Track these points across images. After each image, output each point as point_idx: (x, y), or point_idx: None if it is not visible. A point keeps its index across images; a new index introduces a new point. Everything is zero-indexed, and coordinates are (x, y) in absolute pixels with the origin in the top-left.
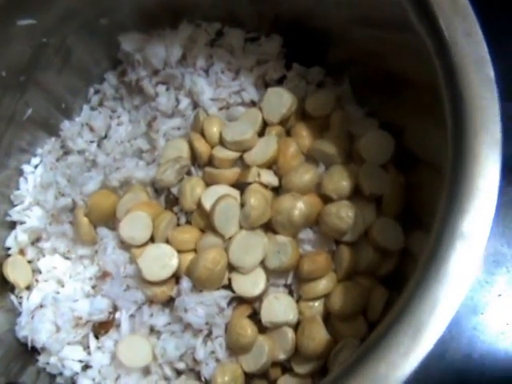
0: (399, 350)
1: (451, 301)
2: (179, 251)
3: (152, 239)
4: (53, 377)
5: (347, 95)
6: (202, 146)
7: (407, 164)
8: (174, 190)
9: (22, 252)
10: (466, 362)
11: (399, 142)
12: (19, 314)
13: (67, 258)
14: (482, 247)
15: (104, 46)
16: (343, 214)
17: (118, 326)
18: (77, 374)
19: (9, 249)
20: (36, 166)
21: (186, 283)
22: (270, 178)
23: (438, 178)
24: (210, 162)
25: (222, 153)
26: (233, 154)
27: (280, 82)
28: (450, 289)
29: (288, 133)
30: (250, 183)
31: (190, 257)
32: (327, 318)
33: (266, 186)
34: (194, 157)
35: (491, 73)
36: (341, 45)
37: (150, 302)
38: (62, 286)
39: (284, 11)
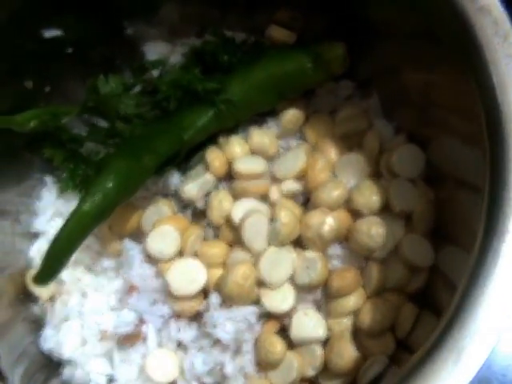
0: (441, 377)
1: (493, 325)
2: (207, 266)
3: (180, 253)
4: None
5: (376, 109)
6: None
7: (435, 179)
8: (200, 204)
9: None
10: (486, 373)
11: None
12: (42, 325)
13: (91, 270)
14: None
15: (128, 56)
16: (373, 233)
17: (145, 339)
18: None
19: (32, 260)
20: (59, 177)
21: (215, 298)
22: (291, 185)
23: (470, 194)
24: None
25: (243, 166)
26: (254, 168)
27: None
28: (492, 313)
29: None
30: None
31: (218, 272)
32: (356, 334)
33: (294, 199)
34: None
35: None
36: (370, 58)
37: (177, 316)
38: (86, 298)
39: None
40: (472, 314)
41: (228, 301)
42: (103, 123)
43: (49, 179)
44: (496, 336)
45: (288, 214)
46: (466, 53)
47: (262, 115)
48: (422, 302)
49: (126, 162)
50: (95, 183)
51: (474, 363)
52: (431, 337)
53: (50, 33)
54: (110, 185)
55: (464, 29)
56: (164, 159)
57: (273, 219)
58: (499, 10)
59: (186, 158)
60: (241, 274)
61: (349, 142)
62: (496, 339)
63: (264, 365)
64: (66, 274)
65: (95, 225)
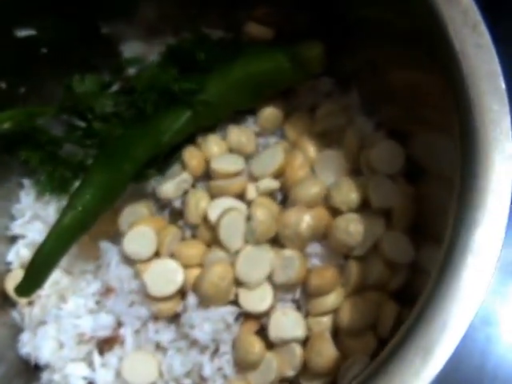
0: (410, 370)
1: (462, 319)
2: (185, 266)
3: (157, 254)
4: None
5: (355, 106)
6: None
7: (415, 175)
8: (177, 203)
9: (23, 267)
10: (478, 373)
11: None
12: (21, 330)
13: (69, 273)
14: (493, 262)
15: (105, 55)
16: (352, 229)
17: (123, 342)
18: None
19: (10, 263)
20: (37, 180)
21: (192, 299)
22: (268, 183)
23: (447, 189)
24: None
25: (219, 165)
26: (231, 167)
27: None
28: (461, 306)
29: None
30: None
31: (195, 272)
32: (336, 333)
33: (271, 197)
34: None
35: (502, 85)
36: (349, 55)
37: (155, 317)
38: (65, 301)
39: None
40: (441, 307)
41: (205, 301)
42: (81, 124)
43: (27, 182)
44: (464, 328)
45: (264, 212)
46: (435, 44)
47: (240, 113)
48: (404, 300)
49: (106, 173)
50: (76, 196)
51: (442, 356)
52: (400, 331)
53: (24, 32)
54: (91, 197)
55: (433, 19)
56: (143, 164)
57: (249, 217)
58: (468, 0)
59: (164, 158)
60: (217, 274)
61: (328, 138)
62: (463, 331)
63: (243, 365)
64: None
65: (77, 237)
